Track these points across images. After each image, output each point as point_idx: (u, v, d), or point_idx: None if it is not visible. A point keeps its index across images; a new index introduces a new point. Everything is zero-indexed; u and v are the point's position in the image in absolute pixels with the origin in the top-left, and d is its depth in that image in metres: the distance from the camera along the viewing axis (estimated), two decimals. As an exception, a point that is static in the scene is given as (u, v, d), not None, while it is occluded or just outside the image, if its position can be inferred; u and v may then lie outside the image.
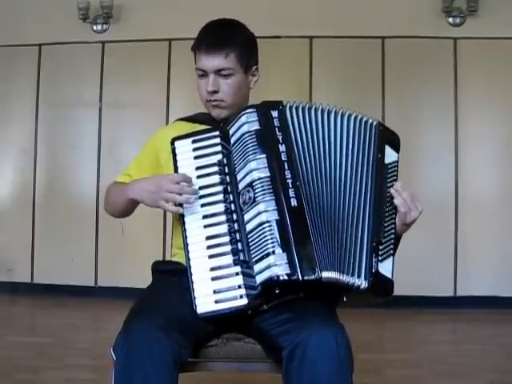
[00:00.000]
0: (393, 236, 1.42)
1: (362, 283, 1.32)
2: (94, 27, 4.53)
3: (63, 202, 4.52)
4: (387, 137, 1.48)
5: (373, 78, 4.32)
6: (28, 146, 4.57)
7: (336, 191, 1.37)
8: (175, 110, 4.30)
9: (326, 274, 1.28)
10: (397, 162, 1.48)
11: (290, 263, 1.25)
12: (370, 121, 1.47)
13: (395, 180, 1.46)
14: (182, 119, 1.71)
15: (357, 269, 1.33)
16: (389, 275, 1.38)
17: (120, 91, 4.49)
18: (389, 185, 1.43)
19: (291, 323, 1.33)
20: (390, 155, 1.47)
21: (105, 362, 1.51)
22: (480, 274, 4.21)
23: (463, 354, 3.04)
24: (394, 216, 1.43)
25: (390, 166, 1.45)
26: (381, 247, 1.37)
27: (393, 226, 1.43)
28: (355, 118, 1.45)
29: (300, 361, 1.27)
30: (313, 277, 1.27)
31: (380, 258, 1.36)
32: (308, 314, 1.34)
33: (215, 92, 1.55)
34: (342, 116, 1.43)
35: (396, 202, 1.42)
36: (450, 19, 4.29)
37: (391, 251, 1.40)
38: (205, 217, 1.40)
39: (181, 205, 1.40)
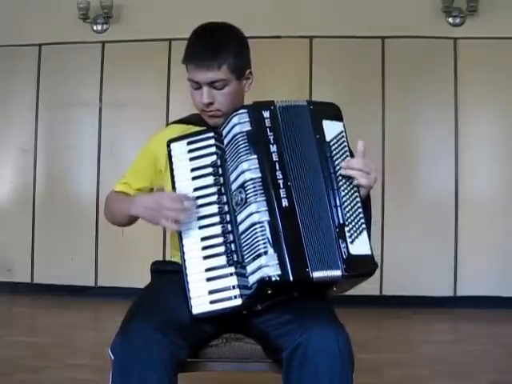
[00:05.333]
0: (360, 210, 1.37)
1: (336, 273, 1.31)
2: (94, 27, 4.53)
3: (63, 202, 4.52)
4: (321, 112, 1.43)
5: (373, 78, 4.31)
6: (28, 146, 4.57)
7: (314, 188, 1.36)
8: (175, 110, 4.30)
9: (316, 274, 1.29)
10: (343, 131, 1.42)
11: (281, 264, 1.26)
12: (300, 104, 1.43)
13: (346, 151, 1.41)
14: (175, 122, 1.72)
15: (331, 261, 1.31)
16: (365, 252, 1.34)
17: (120, 91, 4.49)
18: (338, 161, 1.38)
19: (291, 324, 1.33)
20: (331, 129, 1.41)
21: (105, 362, 1.51)
22: (480, 273, 4.20)
23: (463, 353, 3.04)
24: (352, 190, 1.38)
25: (333, 142, 1.40)
26: (347, 229, 1.34)
27: (356, 199, 1.37)
28: (294, 107, 1.41)
29: (301, 361, 1.28)
30: (304, 277, 1.27)
31: (350, 240, 1.33)
32: (308, 315, 1.34)
33: (210, 104, 1.54)
34: (294, 108, 1.41)
35: (353, 178, 1.37)
36: (450, 19, 4.29)
37: (362, 226, 1.36)
38: (200, 218, 1.41)
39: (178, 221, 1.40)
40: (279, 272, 1.25)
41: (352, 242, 1.33)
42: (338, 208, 1.35)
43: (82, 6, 4.41)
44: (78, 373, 2.63)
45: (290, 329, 1.33)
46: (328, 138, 1.40)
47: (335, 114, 1.44)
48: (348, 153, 1.41)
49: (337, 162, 1.39)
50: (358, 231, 1.35)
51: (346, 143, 1.42)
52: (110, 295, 4.23)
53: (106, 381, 1.34)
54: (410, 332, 3.64)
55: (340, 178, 1.38)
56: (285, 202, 1.31)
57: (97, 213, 4.38)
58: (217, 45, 1.52)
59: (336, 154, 1.40)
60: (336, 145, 1.41)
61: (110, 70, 4.51)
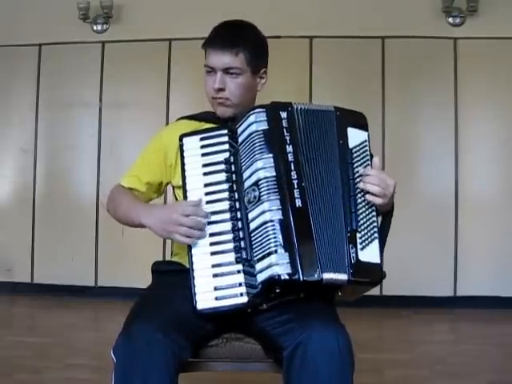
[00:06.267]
0: (374, 219, 1.38)
1: (343, 277, 1.31)
2: (94, 27, 4.53)
3: (63, 202, 4.52)
4: (348, 120, 1.44)
5: (373, 78, 4.31)
6: (28, 146, 4.57)
7: (331, 191, 1.37)
8: (175, 110, 4.30)
9: (326, 276, 1.29)
10: (366, 140, 1.44)
11: (292, 263, 1.26)
12: (327, 109, 1.44)
13: (368, 160, 1.42)
14: (185, 117, 1.71)
15: (339, 264, 1.31)
16: (375, 260, 1.35)
17: (120, 91, 4.49)
18: (358, 168, 1.40)
19: (292, 323, 1.33)
20: (355, 137, 1.43)
21: (105, 362, 1.51)
22: (480, 273, 4.20)
23: (463, 353, 3.04)
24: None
25: (356, 149, 1.42)
26: (359, 235, 1.35)
27: (371, 208, 1.39)
28: (319, 111, 1.42)
29: (301, 360, 1.28)
30: (314, 278, 1.27)
31: (361, 246, 1.34)
32: (309, 314, 1.34)
33: (221, 90, 1.55)
34: (318, 112, 1.42)
35: (367, 193, 1.38)
36: (450, 19, 4.29)
37: (375, 235, 1.37)
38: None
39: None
40: (289, 271, 1.25)
41: (362, 249, 1.34)
42: (353, 214, 1.36)
43: (81, 6, 4.41)
44: (78, 373, 2.63)
45: (290, 327, 1.33)
46: (351, 145, 1.42)
47: (361, 122, 1.46)
48: (369, 162, 1.42)
49: (357, 170, 1.40)
50: (370, 239, 1.36)
51: (368, 152, 1.43)
52: (110, 295, 4.23)
53: (106, 381, 1.34)
54: (410, 332, 3.64)
55: (358, 185, 1.39)
56: (298, 203, 1.31)
57: (97, 213, 4.38)
58: (238, 35, 1.56)
59: (357, 161, 1.41)
60: (358, 152, 1.42)
61: (110, 70, 4.51)
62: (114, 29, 4.53)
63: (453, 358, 2.96)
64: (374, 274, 1.36)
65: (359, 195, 1.38)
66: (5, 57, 4.59)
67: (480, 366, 2.81)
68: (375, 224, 1.38)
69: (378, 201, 1.38)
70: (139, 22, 4.46)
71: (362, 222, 1.36)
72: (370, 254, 1.35)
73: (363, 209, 1.38)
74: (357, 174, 1.39)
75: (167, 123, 4.25)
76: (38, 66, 4.57)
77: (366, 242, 1.35)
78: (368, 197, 1.38)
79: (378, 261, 1.36)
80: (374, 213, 1.39)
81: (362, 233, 1.35)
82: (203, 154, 1.44)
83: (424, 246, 4.22)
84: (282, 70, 4.23)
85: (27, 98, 4.57)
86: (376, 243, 1.37)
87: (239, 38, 1.55)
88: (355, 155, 1.41)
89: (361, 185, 1.38)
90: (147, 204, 1.60)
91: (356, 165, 1.40)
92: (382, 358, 2.93)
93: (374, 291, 1.46)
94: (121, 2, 4.48)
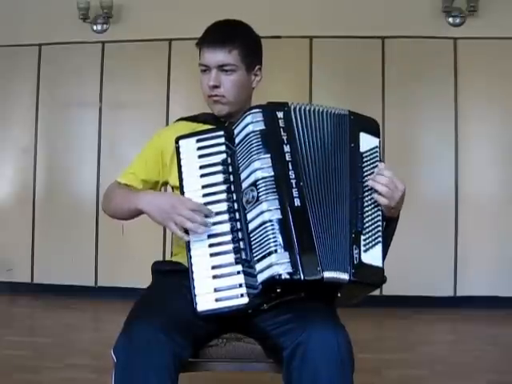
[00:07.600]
0: (379, 223, 1.39)
1: (344, 276, 1.31)
2: (94, 27, 4.53)
3: (63, 202, 4.52)
4: (361, 124, 1.45)
5: (373, 78, 4.31)
6: (28, 146, 4.57)
7: (335, 191, 1.37)
8: (175, 110, 4.30)
9: (327, 274, 1.29)
10: (377, 146, 1.45)
11: (292, 262, 1.26)
12: (340, 112, 1.45)
13: (377, 166, 1.43)
14: (184, 119, 1.72)
15: (341, 264, 1.32)
16: (377, 263, 1.35)
17: (120, 91, 4.49)
18: (367, 172, 1.41)
19: (292, 323, 1.33)
20: (367, 142, 1.44)
21: (105, 362, 1.51)
22: (480, 274, 4.20)
23: (463, 354, 3.04)
24: (376, 203, 1.39)
25: (366, 154, 1.43)
26: (363, 237, 1.35)
27: (377, 213, 1.39)
28: (331, 113, 1.43)
29: (301, 361, 1.28)
30: (315, 277, 1.27)
31: (364, 248, 1.34)
32: (309, 315, 1.34)
33: (216, 87, 1.56)
34: (327, 114, 1.43)
35: (374, 195, 1.39)
36: (450, 19, 4.29)
37: (379, 238, 1.37)
38: (207, 215, 1.40)
39: (187, 231, 1.38)
40: (290, 270, 1.25)
41: (365, 251, 1.34)
42: (359, 215, 1.36)
43: (82, 6, 4.41)
44: (78, 373, 2.63)
45: (290, 328, 1.32)
46: (362, 149, 1.42)
47: (374, 129, 1.47)
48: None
49: (366, 174, 1.40)
50: (374, 242, 1.36)
51: (378, 158, 1.44)
52: (109, 295, 4.23)
53: (106, 381, 1.34)
54: (410, 332, 3.64)
55: (366, 188, 1.39)
56: (297, 202, 1.31)
57: (97, 213, 4.38)
58: (230, 32, 1.58)
59: (367, 165, 1.42)
60: (369, 157, 1.43)
61: (110, 70, 4.51)
62: (113, 29, 4.53)
63: (453, 358, 2.96)
64: (375, 276, 1.36)
65: (367, 198, 1.39)
66: (5, 57, 4.59)
67: (480, 366, 2.81)
68: (380, 228, 1.39)
69: (383, 201, 1.39)
70: (139, 22, 4.46)
71: (367, 224, 1.37)
72: (372, 256, 1.35)
73: (369, 212, 1.38)
74: (366, 178, 1.40)
75: (167, 123, 4.26)
76: (38, 66, 4.57)
77: (370, 244, 1.36)
78: (375, 196, 1.38)
79: (380, 265, 1.36)
80: (379, 217, 1.40)
81: (367, 235, 1.36)
82: (200, 156, 1.45)
83: (424, 246, 4.22)
84: (282, 70, 4.25)
85: (27, 98, 4.57)
86: (379, 247, 1.37)
87: (232, 35, 1.56)
88: (365, 159, 1.42)
89: (370, 182, 1.39)
90: (144, 190, 1.61)
91: (365, 169, 1.41)
92: (381, 358, 2.93)
93: (374, 291, 1.46)
94: (121, 2, 4.49)
